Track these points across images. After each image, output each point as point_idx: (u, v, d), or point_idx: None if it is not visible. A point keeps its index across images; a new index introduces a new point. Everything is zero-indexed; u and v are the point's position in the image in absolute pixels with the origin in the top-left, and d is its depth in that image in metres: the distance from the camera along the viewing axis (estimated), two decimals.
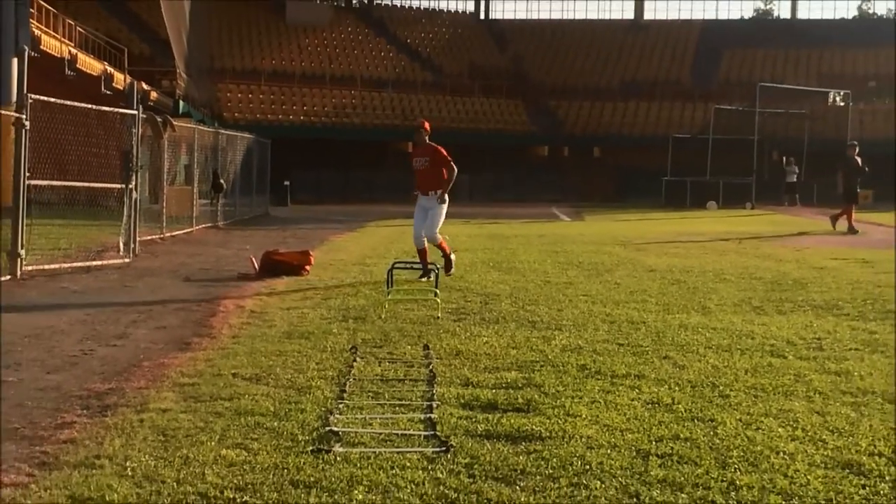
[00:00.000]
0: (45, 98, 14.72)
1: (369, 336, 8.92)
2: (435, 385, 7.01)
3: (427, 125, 13.60)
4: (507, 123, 52.30)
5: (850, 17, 63.69)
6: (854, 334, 9.36)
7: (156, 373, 7.39)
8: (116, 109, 18.62)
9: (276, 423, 5.93)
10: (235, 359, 7.93)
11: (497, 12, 65.04)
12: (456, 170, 13.40)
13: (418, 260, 13.08)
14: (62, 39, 37.51)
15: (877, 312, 10.77)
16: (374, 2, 62.61)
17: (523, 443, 5.56)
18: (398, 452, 5.35)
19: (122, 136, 17.96)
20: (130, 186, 17.04)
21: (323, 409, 6.30)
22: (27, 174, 13.57)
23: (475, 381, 7.12)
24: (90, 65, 37.12)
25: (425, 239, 13.16)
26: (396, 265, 11.67)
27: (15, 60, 24.23)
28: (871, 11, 64.39)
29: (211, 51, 47.42)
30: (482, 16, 64.78)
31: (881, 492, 4.82)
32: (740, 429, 5.91)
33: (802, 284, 13.31)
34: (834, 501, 4.67)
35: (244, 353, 8.20)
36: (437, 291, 10.81)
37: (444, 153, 13.30)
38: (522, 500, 4.64)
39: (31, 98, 13.87)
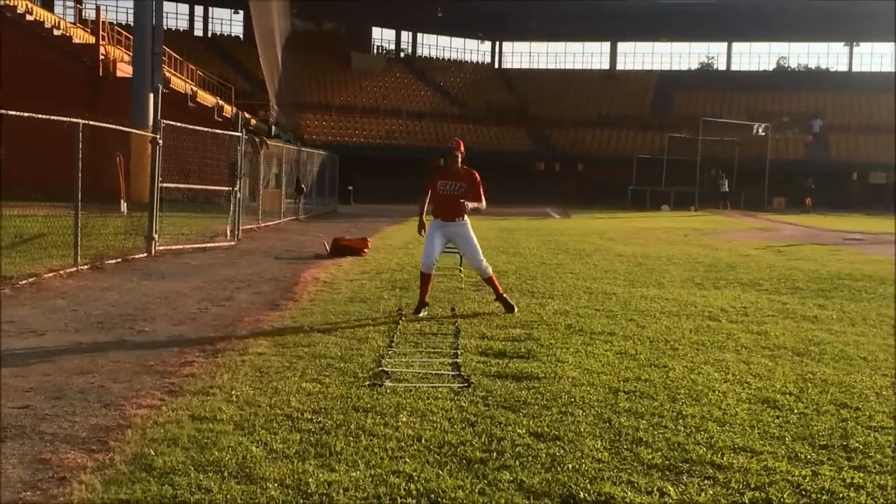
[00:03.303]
0: (174, 123, 14.79)
1: (411, 301, 8.93)
2: (459, 338, 7.04)
3: (462, 147, 8.58)
4: (514, 145, 52.16)
5: (771, 69, 63.15)
6: (771, 304, 9.34)
7: (254, 326, 7.45)
8: (226, 132, 18.71)
9: (342, 364, 5.96)
10: (312, 316, 7.98)
11: (507, 63, 64.98)
12: (485, 205, 8.60)
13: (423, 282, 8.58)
14: (186, 80, 37.72)
15: (788, 288, 10.74)
16: (417, 55, 62.63)
17: (525, 381, 5.58)
18: (432, 387, 5.38)
19: (230, 152, 18.05)
20: (235, 189, 17.15)
21: (377, 354, 6.33)
22: (160, 179, 13.66)
23: (489, 335, 7.15)
24: (206, 99, 37.29)
25: (480, 273, 8.67)
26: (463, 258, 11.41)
27: (151, 95, 24.38)
28: (786, 66, 63.92)
29: (295, 89, 47.40)
30: (497, 66, 64.64)
31: (790, 421, 4.82)
32: (686, 373, 5.91)
33: (732, 267, 13.25)
34: (756, 428, 4.66)
35: (319, 312, 8.24)
36: (462, 269, 10.80)
37: (479, 180, 8.48)
38: (524, 423, 4.65)
39: (163, 123, 13.93)
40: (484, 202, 8.53)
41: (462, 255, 9.73)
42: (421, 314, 8.19)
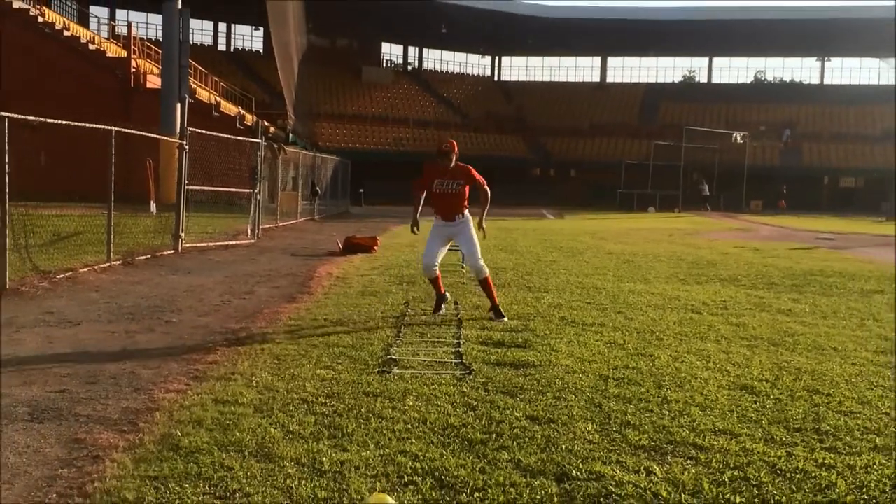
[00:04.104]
0: (199, 130, 14.81)
1: (417, 295, 8.93)
2: (462, 328, 7.02)
3: (456, 146, 7.71)
4: (512, 152, 52.01)
5: (749, 82, 62.97)
6: (748, 298, 9.31)
7: (272, 317, 7.45)
8: (247, 139, 18.70)
9: (353, 353, 5.95)
10: (326, 308, 7.97)
11: (506, 76, 64.78)
12: (489, 191, 7.86)
13: (434, 284, 7.93)
14: (210, 91, 37.75)
15: (764, 284, 10.71)
16: (423, 68, 62.53)
17: (522, 368, 5.56)
18: (436, 374, 5.37)
19: (251, 157, 18.05)
20: (256, 191, 17.16)
21: (385, 343, 6.33)
22: (186, 181, 13.67)
23: (489, 326, 7.14)
24: (229, 108, 37.28)
25: (476, 273, 7.83)
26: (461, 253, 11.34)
27: (179, 105, 24.39)
28: (763, 79, 63.75)
29: (311, 100, 47.38)
30: (496, 79, 64.49)
31: (767, 406, 4.80)
32: (670, 361, 5.89)
33: (713, 264, 13.22)
34: (735, 412, 4.65)
35: (332, 304, 8.24)
36: (465, 266, 10.79)
37: (475, 171, 7.68)
38: (521, 407, 4.64)
39: (189, 130, 13.94)
40: (487, 189, 7.75)
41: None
42: (441, 311, 7.70)
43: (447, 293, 8.05)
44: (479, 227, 7.80)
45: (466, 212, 7.72)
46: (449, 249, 8.36)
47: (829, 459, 3.90)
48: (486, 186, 7.75)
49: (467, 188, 7.66)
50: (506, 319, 7.43)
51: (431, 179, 7.62)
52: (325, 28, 52.30)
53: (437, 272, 7.78)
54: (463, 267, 10.61)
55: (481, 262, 7.72)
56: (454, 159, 7.60)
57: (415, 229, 7.95)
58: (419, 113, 54.53)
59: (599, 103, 59.31)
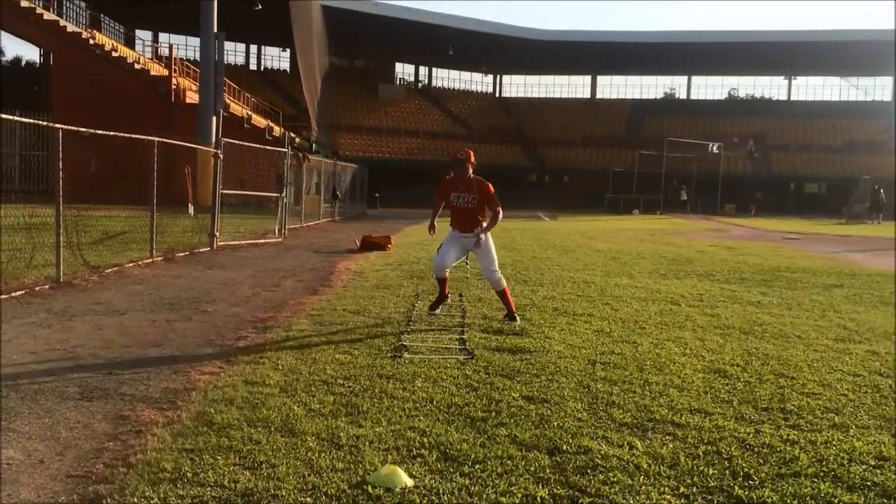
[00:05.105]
0: (232, 141, 14.81)
1: (426, 288, 8.92)
2: (465, 318, 7.01)
3: (472, 156, 7.08)
4: (511, 160, 51.85)
5: (723, 98, 62.64)
6: (722, 292, 9.27)
7: (296, 307, 7.45)
8: (274, 148, 18.70)
9: (368, 339, 5.95)
10: (345, 300, 7.97)
11: (506, 93, 64.52)
12: (501, 213, 6.89)
13: (441, 284, 7.28)
14: (242, 106, 37.82)
15: (736, 279, 10.66)
16: (432, 85, 62.45)
17: (518, 354, 5.55)
18: (442, 358, 5.36)
19: (278, 165, 18.05)
20: (282, 195, 17.16)
21: (397, 331, 6.32)
22: (220, 186, 13.68)
23: (490, 316, 7.12)
24: (259, 121, 37.34)
25: (493, 285, 7.03)
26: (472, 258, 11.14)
27: (214, 118, 24.41)
28: (736, 95, 63.38)
29: (332, 114, 47.37)
30: (497, 95, 64.31)
31: (737, 387, 4.79)
32: (651, 348, 5.87)
33: (690, 261, 13.17)
34: (709, 393, 4.63)
35: (350, 296, 8.23)
36: (469, 262, 10.78)
37: (492, 190, 6.87)
38: (518, 388, 4.63)
39: (223, 141, 13.95)
40: (500, 210, 6.87)
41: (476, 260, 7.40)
42: (437, 311, 7.13)
43: (449, 296, 7.46)
44: (478, 240, 6.88)
45: (485, 225, 6.95)
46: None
47: (792, 436, 3.88)
48: (499, 208, 6.87)
49: (483, 205, 6.92)
50: (517, 322, 6.76)
51: (448, 195, 6.99)
52: (345, 50, 52.35)
53: (447, 274, 7.18)
54: (466, 262, 10.49)
55: (498, 274, 6.94)
56: (470, 169, 6.89)
57: (431, 231, 7.48)
58: (429, 126, 54.48)
59: (590, 117, 59.16)
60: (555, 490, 3.15)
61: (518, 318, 6.89)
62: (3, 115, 7.85)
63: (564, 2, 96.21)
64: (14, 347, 5.41)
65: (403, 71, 62.65)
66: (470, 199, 6.88)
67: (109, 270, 9.47)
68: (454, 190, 6.94)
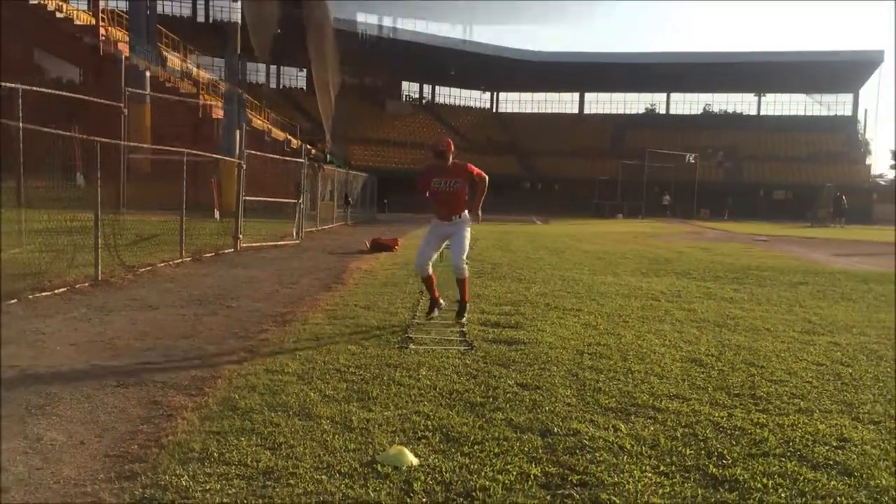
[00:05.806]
0: (254, 152, 14.82)
1: None
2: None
3: (452, 145, 6.36)
4: (507, 170, 51.70)
5: (699, 113, 62.50)
6: (698, 288, 9.25)
7: (312, 303, 7.44)
8: (292, 159, 18.73)
9: (378, 332, 5.95)
10: (356, 296, 7.96)
11: (503, 108, 64.51)
12: (487, 178, 6.27)
13: (427, 285, 6.57)
14: (263, 120, 37.85)
15: (711, 277, 10.63)
16: (435, 102, 62.50)
17: (513, 345, 5.54)
18: (445, 349, 5.36)
19: (295, 174, 18.07)
20: (299, 201, 17.15)
21: (404, 324, 6.31)
22: (243, 193, 13.67)
23: (487, 311, 7.11)
24: (278, 134, 37.39)
25: (455, 272, 6.41)
26: (444, 249, 11.27)
27: (238, 132, 24.44)
28: (711, 110, 63.24)
29: (344, 127, 47.41)
30: (494, 110, 64.33)
31: (712, 375, 4.77)
32: (634, 339, 5.86)
33: (669, 261, 13.15)
34: (686, 380, 4.62)
35: (361, 293, 8.23)
36: (442, 261, 10.70)
37: (473, 166, 6.32)
38: (513, 376, 4.63)
39: (246, 152, 13.95)
40: (485, 175, 6.26)
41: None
42: (435, 313, 6.45)
43: (442, 300, 6.59)
44: (475, 211, 6.40)
45: (465, 213, 6.36)
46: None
47: (762, 419, 3.88)
48: (483, 174, 6.27)
49: (466, 186, 6.27)
50: (464, 320, 6.30)
51: (430, 178, 6.30)
52: (357, 69, 52.33)
53: (430, 271, 6.40)
54: (441, 261, 9.56)
55: (463, 263, 6.37)
56: (451, 158, 6.25)
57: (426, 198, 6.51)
58: (432, 139, 54.39)
59: (578, 130, 59.08)
60: (546, 468, 3.15)
61: (465, 316, 6.36)
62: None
63: (555, 25, 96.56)
64: (57, 339, 5.42)
65: (409, 89, 62.58)
66: (452, 184, 6.22)
67: (143, 270, 9.48)
68: (435, 176, 6.27)
